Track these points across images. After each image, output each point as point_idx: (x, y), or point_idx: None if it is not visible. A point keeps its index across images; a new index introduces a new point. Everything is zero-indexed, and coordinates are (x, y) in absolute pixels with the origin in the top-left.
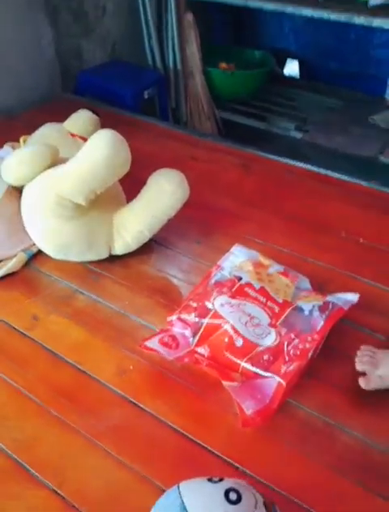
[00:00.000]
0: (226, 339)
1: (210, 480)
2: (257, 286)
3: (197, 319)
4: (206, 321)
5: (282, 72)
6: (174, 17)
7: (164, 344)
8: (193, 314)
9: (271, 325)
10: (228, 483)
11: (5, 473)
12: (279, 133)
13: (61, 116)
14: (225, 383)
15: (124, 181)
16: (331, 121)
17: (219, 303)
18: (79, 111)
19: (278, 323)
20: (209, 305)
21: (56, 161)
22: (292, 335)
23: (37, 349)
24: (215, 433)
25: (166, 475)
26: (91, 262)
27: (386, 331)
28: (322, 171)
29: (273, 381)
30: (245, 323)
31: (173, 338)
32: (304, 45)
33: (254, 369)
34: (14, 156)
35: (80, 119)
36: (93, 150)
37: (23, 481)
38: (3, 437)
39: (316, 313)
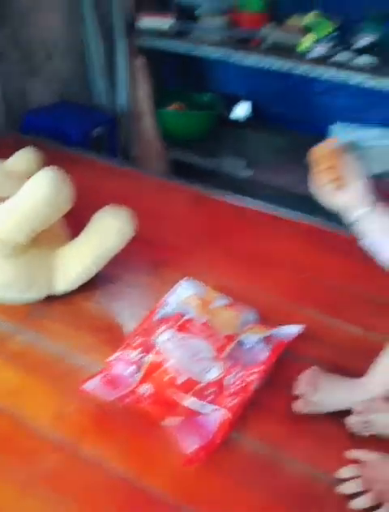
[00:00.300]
0: (169, 376)
1: None
2: (202, 320)
3: (140, 356)
4: (149, 357)
5: (232, 114)
6: (124, 60)
7: (105, 385)
8: (136, 351)
9: (216, 358)
10: None
11: None
12: (229, 172)
13: (3, 154)
14: (168, 421)
15: (67, 217)
16: (278, 161)
17: (163, 339)
18: (23, 149)
19: (222, 356)
20: (153, 341)
21: None
22: (237, 368)
23: None
24: (159, 474)
25: None
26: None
27: (329, 361)
28: (268, 208)
29: (217, 415)
30: (190, 358)
31: (114, 378)
32: (252, 89)
33: (197, 404)
34: None
35: (24, 157)
36: (34, 188)
37: None
38: None
39: (261, 346)
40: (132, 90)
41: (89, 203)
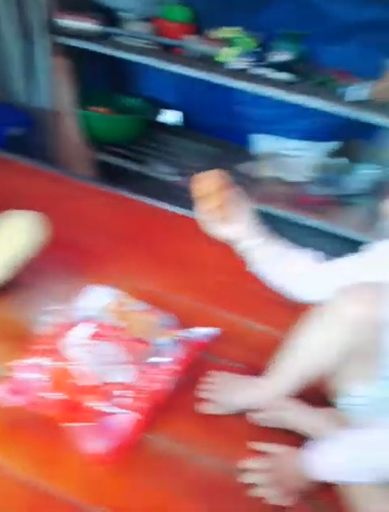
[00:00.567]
0: (77, 381)
1: None
2: (115, 325)
3: (49, 361)
4: (57, 363)
5: (162, 120)
6: (43, 60)
7: (11, 391)
8: (45, 357)
9: (127, 362)
10: None
11: None
12: (156, 176)
13: None
14: (76, 424)
15: None
16: (203, 168)
17: (73, 344)
18: None
19: (134, 360)
20: (62, 347)
21: None
22: (148, 371)
23: None
24: (70, 477)
25: None
26: None
27: (244, 361)
28: (190, 212)
29: (127, 417)
30: (99, 362)
31: (20, 384)
32: (181, 96)
33: (107, 407)
34: None
35: None
36: None
37: None
38: None
39: (174, 348)
40: (53, 90)
41: (5, 206)
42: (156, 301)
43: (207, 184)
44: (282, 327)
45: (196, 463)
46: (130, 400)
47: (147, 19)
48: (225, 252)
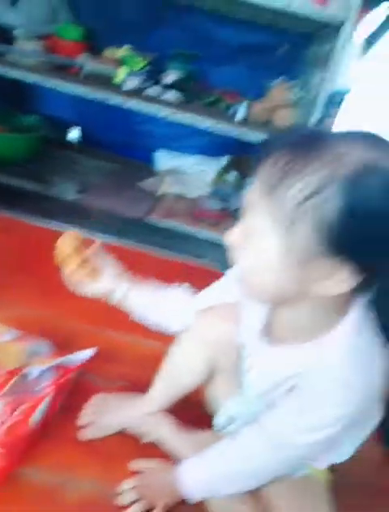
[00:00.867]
0: None
1: None
2: None
3: None
4: None
5: (61, 138)
6: None
7: None
8: None
9: None
10: None
11: None
12: (57, 196)
13: None
14: None
15: None
16: (106, 185)
17: None
18: None
19: (2, 393)
20: None
21: None
22: (17, 402)
23: None
24: None
25: None
26: None
27: (131, 378)
28: (89, 233)
29: None
30: None
31: None
32: (80, 114)
33: None
34: None
35: None
36: None
37: None
38: None
39: (47, 375)
40: None
41: None
42: (40, 327)
43: (63, 247)
44: (166, 340)
45: (76, 490)
46: None
47: (40, 38)
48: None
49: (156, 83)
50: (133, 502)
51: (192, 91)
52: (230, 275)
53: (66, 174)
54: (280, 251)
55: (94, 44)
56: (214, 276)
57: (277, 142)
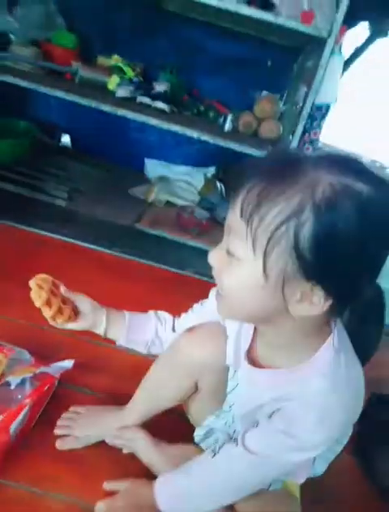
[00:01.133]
0: None
1: None
2: None
3: None
4: None
5: (53, 143)
6: None
7: None
8: None
9: None
10: None
11: None
12: (46, 201)
13: None
14: None
15: None
16: (95, 191)
17: None
18: None
19: None
20: None
21: None
22: None
23: None
24: None
25: None
26: None
27: (106, 389)
28: (65, 239)
29: None
30: None
31: None
32: (73, 120)
33: None
34: None
35: None
36: None
37: None
38: None
39: (27, 385)
40: None
41: None
42: (23, 335)
43: (41, 292)
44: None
45: (51, 503)
46: None
47: (35, 44)
48: (104, 278)
49: (147, 91)
50: None
51: (182, 101)
52: (212, 296)
53: (55, 179)
54: (258, 273)
55: (87, 52)
56: (200, 286)
57: (254, 168)
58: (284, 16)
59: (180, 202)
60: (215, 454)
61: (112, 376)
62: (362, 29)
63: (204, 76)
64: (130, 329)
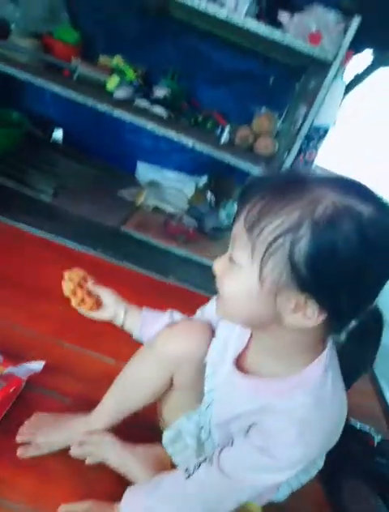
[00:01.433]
0: None
1: None
2: None
3: None
4: None
5: (45, 137)
6: None
7: None
8: None
9: None
10: None
11: None
12: (31, 195)
13: None
14: None
15: None
16: (83, 190)
17: None
18: None
19: None
20: None
21: None
22: None
23: None
24: None
25: None
26: None
27: (74, 393)
28: (47, 236)
29: None
30: None
31: None
32: (66, 114)
33: None
34: None
35: None
36: None
37: None
38: None
39: None
40: None
41: None
42: None
43: (70, 282)
44: (120, 356)
45: (6, 511)
46: None
47: (36, 36)
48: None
49: (146, 95)
50: None
51: (180, 108)
52: (212, 303)
53: (43, 174)
54: (254, 279)
55: (89, 50)
56: (180, 294)
57: (261, 183)
58: (291, 35)
59: (168, 208)
60: (189, 476)
61: (81, 381)
62: (364, 56)
63: (205, 86)
64: (143, 323)
